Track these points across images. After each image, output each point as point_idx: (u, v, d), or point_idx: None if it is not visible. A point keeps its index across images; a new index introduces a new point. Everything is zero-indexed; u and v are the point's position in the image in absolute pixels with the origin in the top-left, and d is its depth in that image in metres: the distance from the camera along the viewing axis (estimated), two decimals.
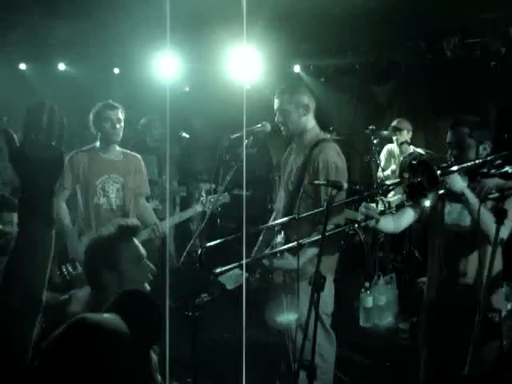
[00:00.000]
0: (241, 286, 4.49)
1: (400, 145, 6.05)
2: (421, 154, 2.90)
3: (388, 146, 6.24)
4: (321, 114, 7.49)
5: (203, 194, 4.54)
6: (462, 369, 3.07)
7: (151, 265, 2.53)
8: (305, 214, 3.19)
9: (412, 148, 5.95)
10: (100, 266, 2.40)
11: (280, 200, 3.85)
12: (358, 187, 2.96)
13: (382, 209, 3.32)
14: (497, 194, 2.30)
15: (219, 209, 6.95)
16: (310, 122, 3.68)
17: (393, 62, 6.45)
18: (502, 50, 5.60)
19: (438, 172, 2.72)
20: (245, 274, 4.26)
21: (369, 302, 5.15)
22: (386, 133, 5.69)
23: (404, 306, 5.11)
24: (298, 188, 3.54)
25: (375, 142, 5.52)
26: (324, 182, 3.01)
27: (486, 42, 5.80)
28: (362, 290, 5.23)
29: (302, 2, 5.73)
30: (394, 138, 6.10)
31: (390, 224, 3.25)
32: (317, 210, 3.07)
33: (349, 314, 5.48)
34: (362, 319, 5.24)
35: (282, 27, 6.63)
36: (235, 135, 3.81)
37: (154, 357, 1.55)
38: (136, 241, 2.48)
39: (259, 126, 3.76)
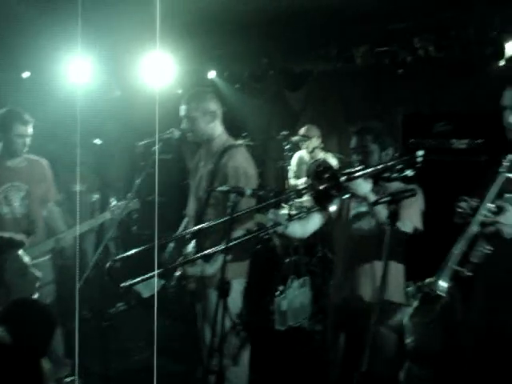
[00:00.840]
0: (158, 293, 4.46)
1: (311, 152, 6.14)
2: (325, 160, 2.98)
3: (299, 153, 6.32)
4: (235, 119, 7.57)
5: (112, 200, 4.47)
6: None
7: (37, 272, 2.45)
8: (213, 223, 3.20)
9: (323, 154, 6.08)
10: None
11: (191, 207, 3.84)
12: (262, 192, 2.97)
13: (291, 213, 3.35)
14: (388, 198, 2.39)
15: (134, 216, 6.89)
16: (217, 128, 3.69)
17: (305, 68, 6.56)
18: (408, 59, 5.83)
19: (343, 178, 2.80)
20: (160, 282, 4.22)
21: (283, 305, 5.24)
22: (296, 139, 5.78)
23: (318, 308, 5.21)
24: (209, 195, 3.55)
25: (287, 147, 5.61)
26: (226, 189, 3.02)
27: (394, 50, 6.01)
28: (277, 293, 5.32)
29: (217, 8, 5.76)
30: (304, 145, 6.19)
31: (298, 229, 3.31)
32: (224, 218, 3.06)
33: (264, 317, 5.53)
34: (277, 322, 5.32)
35: (198, 33, 6.63)
36: (143, 142, 3.78)
37: (46, 366, 1.50)
38: (19, 251, 2.39)
39: (168, 132, 3.75)
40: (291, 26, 6.00)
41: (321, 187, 2.83)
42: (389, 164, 3.01)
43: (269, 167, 6.77)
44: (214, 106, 3.64)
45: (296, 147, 6.22)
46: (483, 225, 2.42)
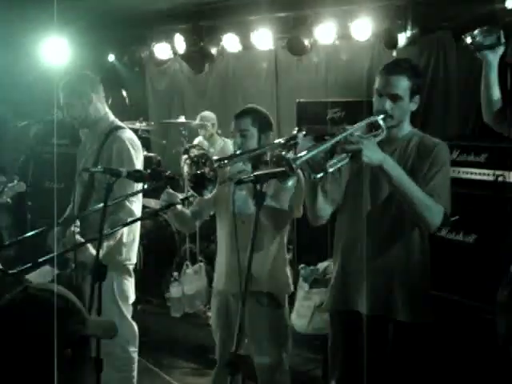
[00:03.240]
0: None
1: (208, 138, 6.10)
2: (200, 147, 2.99)
3: (196, 139, 6.26)
4: (136, 103, 7.40)
5: None
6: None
7: None
8: (95, 208, 3.11)
9: (220, 139, 6.06)
10: None
11: (77, 191, 3.73)
12: (139, 174, 2.89)
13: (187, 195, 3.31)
14: (251, 177, 2.39)
15: (28, 203, 6.64)
16: (98, 111, 3.60)
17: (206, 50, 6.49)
18: None
19: (217, 163, 2.78)
20: (55, 271, 4.08)
21: (178, 291, 5.22)
22: (193, 125, 5.72)
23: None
24: (92, 178, 3.47)
25: (184, 133, 5.55)
26: (101, 170, 2.96)
27: None
28: (172, 279, 5.29)
29: None
30: (201, 131, 6.15)
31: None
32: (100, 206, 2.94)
33: (160, 304, 5.51)
34: (172, 309, 5.30)
35: (97, 17, 6.46)
36: (23, 123, 3.66)
37: None
38: None
39: (52, 114, 3.66)
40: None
41: (197, 173, 2.81)
42: (266, 147, 3.03)
43: (168, 152, 6.69)
44: (89, 88, 3.55)
45: (195, 133, 6.17)
46: (348, 142, 2.41)
